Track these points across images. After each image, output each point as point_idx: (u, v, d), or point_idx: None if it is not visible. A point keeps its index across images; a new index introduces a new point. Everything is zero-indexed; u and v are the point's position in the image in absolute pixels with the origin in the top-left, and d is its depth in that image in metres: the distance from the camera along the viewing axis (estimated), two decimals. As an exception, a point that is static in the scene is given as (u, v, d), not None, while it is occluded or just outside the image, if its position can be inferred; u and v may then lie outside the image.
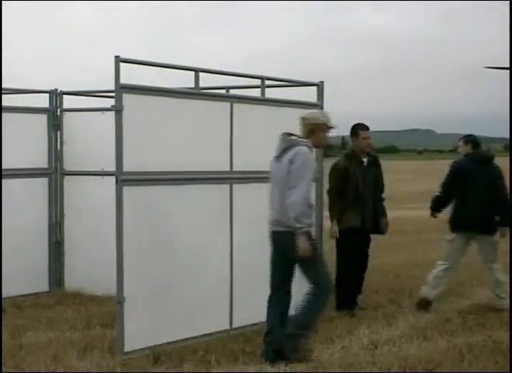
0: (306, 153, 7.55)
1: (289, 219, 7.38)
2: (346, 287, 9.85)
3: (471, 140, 10.59)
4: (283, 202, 7.48)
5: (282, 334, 7.57)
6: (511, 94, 9.91)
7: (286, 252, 7.64)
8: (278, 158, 7.68)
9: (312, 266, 7.59)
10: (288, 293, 7.93)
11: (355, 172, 9.87)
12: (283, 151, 7.65)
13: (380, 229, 10.31)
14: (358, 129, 10.06)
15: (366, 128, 10.11)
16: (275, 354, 7.47)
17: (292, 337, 7.55)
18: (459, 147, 10.69)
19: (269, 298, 7.89)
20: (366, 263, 10.35)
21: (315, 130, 7.78)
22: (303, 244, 7.31)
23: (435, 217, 10.72)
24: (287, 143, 7.67)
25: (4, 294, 10.09)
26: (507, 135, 11.59)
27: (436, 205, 10.62)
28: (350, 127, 10.14)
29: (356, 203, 9.89)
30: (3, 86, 11.01)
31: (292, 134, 7.73)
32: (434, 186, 11.24)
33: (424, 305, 10.03)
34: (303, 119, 7.83)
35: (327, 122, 7.87)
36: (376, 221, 10.14)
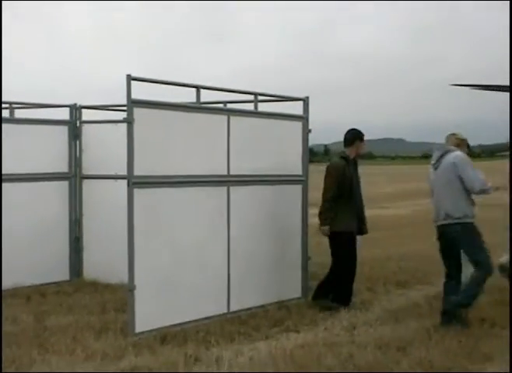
0: (463, 154, 8.28)
1: (460, 212, 8.14)
2: (350, 287, 9.35)
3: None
4: (448, 199, 8.16)
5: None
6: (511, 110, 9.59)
7: (456, 241, 8.24)
8: (436, 164, 8.35)
9: (477, 248, 8.23)
10: (459, 280, 8.46)
11: (350, 175, 9.20)
12: (440, 157, 8.32)
13: (364, 230, 9.59)
14: (362, 134, 9.47)
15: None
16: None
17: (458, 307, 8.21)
18: None
19: (446, 285, 8.52)
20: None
21: (460, 145, 8.51)
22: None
23: None
24: (442, 151, 8.37)
25: (29, 283, 10.17)
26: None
27: None
28: (331, 135, 9.98)
29: (352, 205, 9.20)
30: (31, 101, 11.06)
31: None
32: (405, 189, 11.27)
33: None
34: (453, 135, 8.60)
35: (467, 140, 8.68)
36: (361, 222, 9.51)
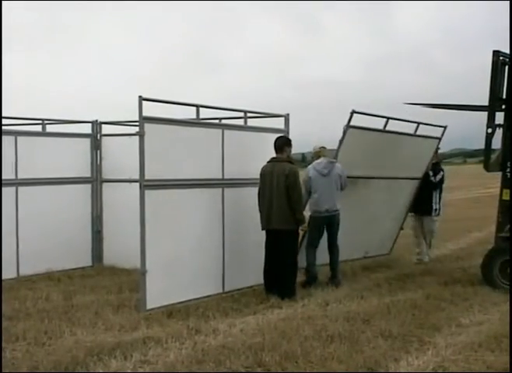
0: (341, 166, 9.39)
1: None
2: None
3: None
4: (335, 198, 9.26)
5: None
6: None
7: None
8: (327, 173, 9.23)
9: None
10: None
11: None
12: (330, 169, 9.23)
13: None
14: (290, 140, 8.90)
15: None
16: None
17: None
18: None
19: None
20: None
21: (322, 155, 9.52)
22: None
23: None
24: (331, 164, 9.27)
25: (59, 268, 10.13)
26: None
27: None
28: (307, 145, 9.84)
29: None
30: (61, 118, 11.00)
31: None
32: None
33: None
34: (323, 148, 9.63)
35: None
36: None
